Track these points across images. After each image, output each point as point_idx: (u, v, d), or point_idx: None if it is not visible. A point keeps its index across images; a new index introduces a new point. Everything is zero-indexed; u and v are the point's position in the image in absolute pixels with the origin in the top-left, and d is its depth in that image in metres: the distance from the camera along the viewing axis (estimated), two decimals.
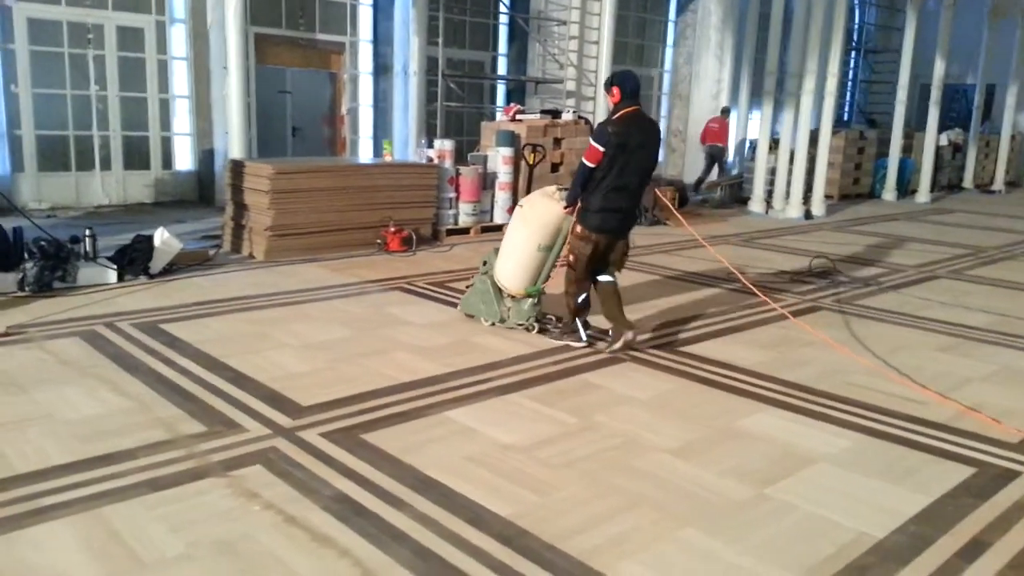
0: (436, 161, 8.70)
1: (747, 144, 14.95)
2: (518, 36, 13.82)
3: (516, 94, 13.90)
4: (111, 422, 3.82)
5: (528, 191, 9.01)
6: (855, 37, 18.35)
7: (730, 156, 15.74)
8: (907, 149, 14.98)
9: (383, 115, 12.46)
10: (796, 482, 3.40)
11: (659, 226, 10.49)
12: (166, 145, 10.70)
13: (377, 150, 12.44)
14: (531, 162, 8.90)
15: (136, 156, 10.45)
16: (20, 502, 3.06)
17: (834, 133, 12.80)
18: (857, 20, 18.38)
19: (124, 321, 5.45)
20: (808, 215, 11.83)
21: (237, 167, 7.83)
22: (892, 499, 3.26)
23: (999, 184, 16.68)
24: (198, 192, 10.89)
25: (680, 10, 16.00)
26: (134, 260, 6.56)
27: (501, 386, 4.46)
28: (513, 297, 5.48)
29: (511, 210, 9.16)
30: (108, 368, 4.55)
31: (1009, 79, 16.28)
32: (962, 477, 3.47)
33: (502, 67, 14.00)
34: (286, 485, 3.27)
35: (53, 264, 6.13)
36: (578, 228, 5.01)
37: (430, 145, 8.94)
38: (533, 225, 5.29)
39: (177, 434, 3.71)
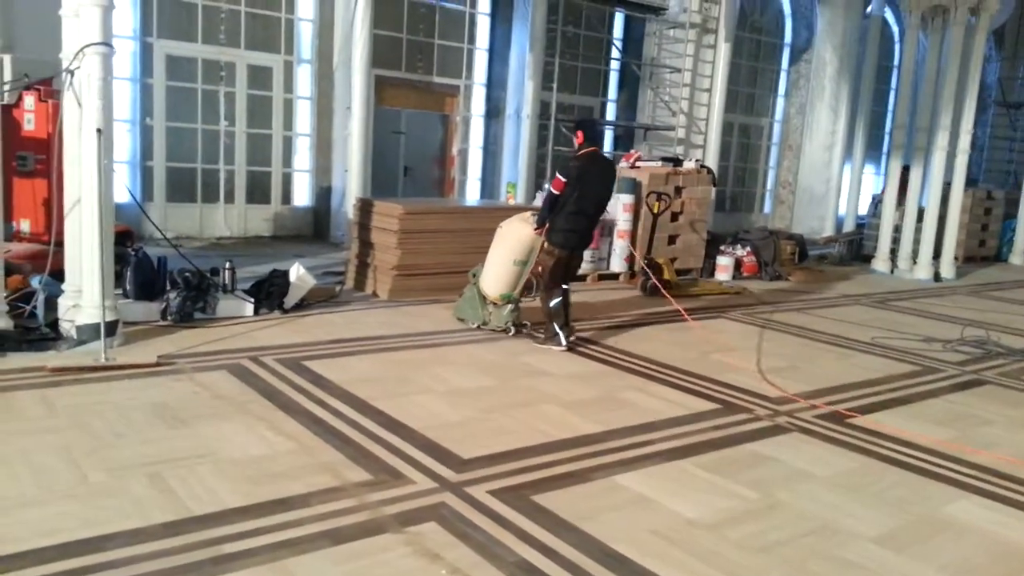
0: None
1: (871, 199, 14.42)
2: (628, 82, 13.73)
3: (624, 140, 13.79)
4: (277, 464, 3.72)
5: (651, 240, 8.80)
6: (996, 92, 17.67)
7: (843, 210, 15.24)
8: None
9: (492, 157, 12.49)
10: None
11: (779, 280, 10.11)
12: (286, 181, 10.92)
13: (485, 191, 12.46)
14: (655, 211, 8.69)
15: (258, 190, 10.69)
16: (200, 548, 2.95)
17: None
18: (995, 73, 17.70)
19: (268, 356, 5.42)
20: (937, 277, 11.23)
21: (366, 206, 7.86)
22: None
23: None
24: (313, 227, 11.05)
25: (793, 60, 15.69)
26: (271, 294, 6.59)
27: (665, 451, 4.21)
28: (495, 303, 6.42)
29: (629, 259, 9.04)
30: (261, 404, 4.49)
31: None
32: None
33: (611, 112, 13.91)
34: (466, 547, 3.08)
35: (195, 295, 6.19)
36: (545, 245, 6.14)
37: None
38: (510, 243, 6.35)
39: (345, 481, 3.58)
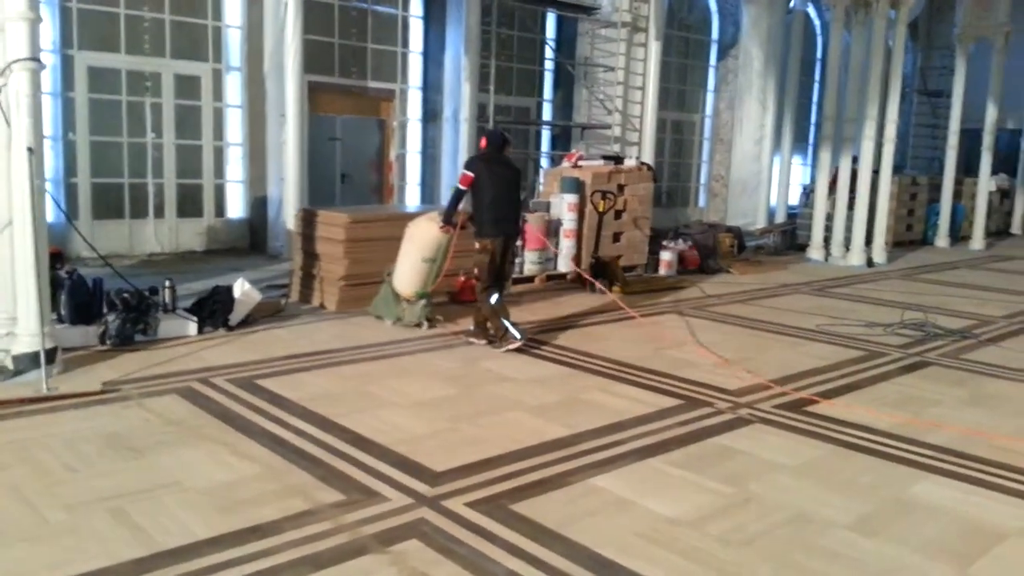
0: None
1: (801, 189, 14.82)
2: (564, 82, 13.80)
3: (561, 140, 13.85)
4: (245, 490, 3.59)
5: (597, 238, 8.85)
6: (913, 81, 18.34)
7: (774, 200, 15.63)
8: (955, 195, 14.80)
9: (431, 162, 12.38)
10: (997, 560, 3.15)
11: (721, 273, 10.29)
12: (219, 193, 10.60)
13: (425, 196, 12.35)
14: (601, 209, 8.74)
15: (189, 204, 10.34)
16: None
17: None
18: (915, 63, 18.35)
19: (218, 376, 5.24)
20: (870, 263, 11.60)
21: (308, 216, 7.68)
22: None
23: None
24: (249, 240, 10.75)
25: (721, 56, 16.01)
26: (215, 312, 6.37)
27: (635, 450, 4.22)
28: (408, 300, 6.69)
29: (575, 259, 9.07)
30: (219, 428, 4.33)
31: None
32: None
33: (547, 112, 13.96)
34: (453, 564, 3.02)
35: (135, 317, 5.94)
36: (477, 244, 6.25)
37: None
38: (418, 242, 6.57)
39: (317, 503, 3.47)
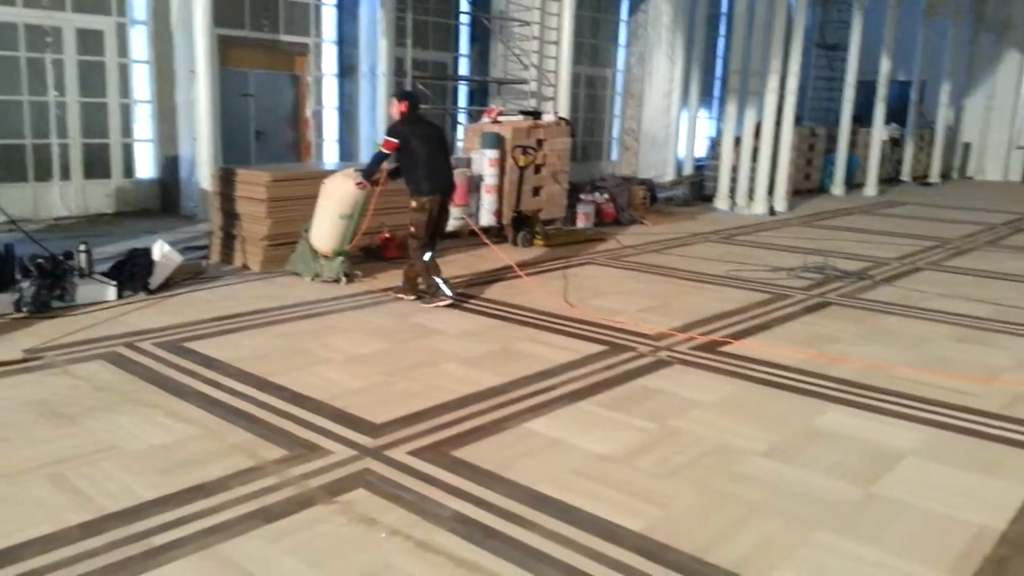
0: None
1: (708, 142, 15.26)
2: (480, 37, 13.73)
3: (478, 95, 13.83)
4: (185, 451, 3.63)
5: (518, 193, 8.98)
6: (815, 34, 18.96)
7: (683, 153, 16.05)
8: (851, 145, 15.55)
9: (348, 118, 12.18)
10: (896, 479, 3.49)
11: (636, 224, 10.61)
12: (127, 152, 10.19)
13: (344, 153, 12.18)
14: (522, 164, 8.86)
15: (97, 164, 9.91)
16: (126, 544, 2.87)
17: None
18: (814, 17, 18.94)
19: (144, 340, 5.18)
20: (772, 211, 12.16)
21: (227, 175, 7.53)
22: (993, 491, 3.39)
23: (935, 177, 17.53)
24: (161, 200, 10.41)
25: (632, 10, 16.19)
26: (134, 275, 6.23)
27: (566, 395, 4.43)
28: (326, 256, 6.76)
29: (497, 213, 9.20)
30: (152, 392, 4.32)
31: (941, 76, 17.12)
32: None
33: (464, 68, 13.89)
34: (400, 509, 3.17)
35: (51, 283, 5.77)
36: (413, 203, 6.22)
37: None
38: (335, 198, 6.62)
39: (261, 460, 3.55)
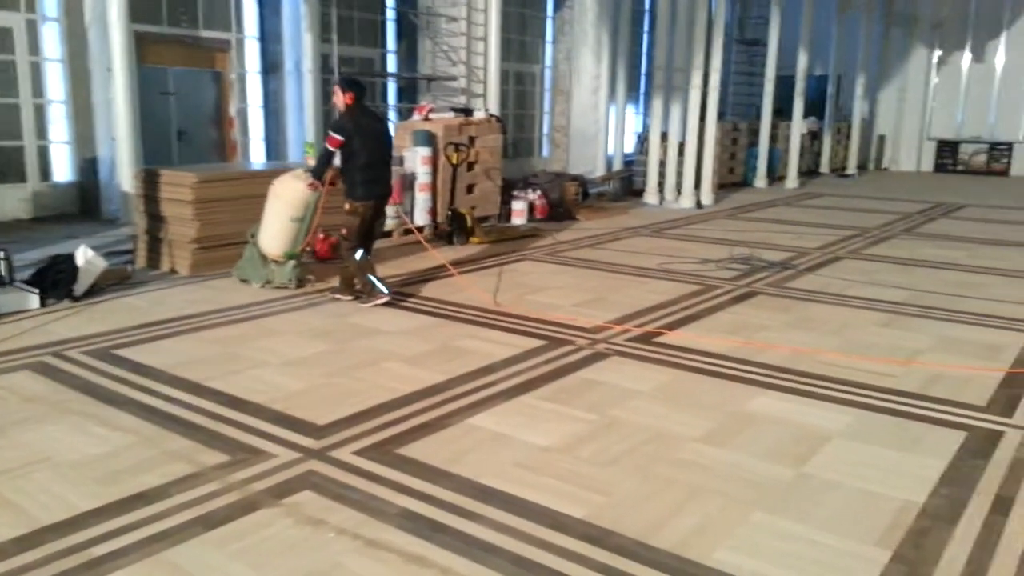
0: None
1: (636, 137, 15.53)
2: (407, 32, 13.66)
3: (408, 92, 13.76)
4: (122, 460, 3.55)
5: (452, 191, 8.99)
6: (735, 30, 19.47)
7: (612, 149, 16.29)
8: (772, 139, 16.04)
9: (274, 116, 11.97)
10: (825, 459, 3.66)
11: (569, 220, 10.74)
12: (43, 155, 9.81)
13: (271, 153, 11.97)
14: (455, 161, 8.87)
15: (10, 168, 9.52)
16: (65, 556, 2.81)
17: None
18: (734, 13, 19.44)
19: (72, 349, 5.03)
20: (699, 204, 12.46)
21: (151, 176, 7.33)
22: (914, 467, 3.58)
23: (852, 168, 18.23)
24: (80, 204, 10.06)
25: (558, 7, 16.34)
26: (57, 282, 6.03)
27: (507, 389, 4.49)
28: (276, 261, 6.55)
29: (432, 211, 9.19)
30: (83, 401, 4.20)
31: (856, 70, 17.80)
32: (959, 440, 3.85)
33: (391, 64, 13.80)
34: (348, 508, 3.17)
35: None
36: (347, 206, 6.11)
37: None
38: (285, 200, 6.41)
39: (202, 466, 3.50)
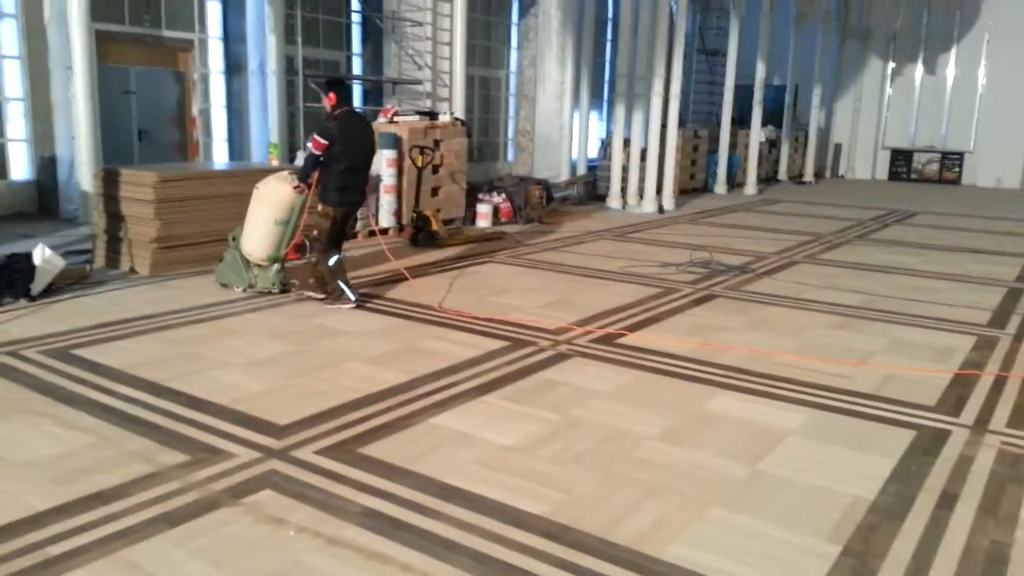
0: None
1: (599, 143, 15.67)
2: (372, 36, 13.63)
3: (373, 95, 13.72)
4: (80, 459, 3.51)
5: (417, 193, 9.01)
6: (696, 40, 19.73)
7: (575, 154, 16.42)
8: (731, 146, 16.30)
9: (237, 117, 11.86)
10: (779, 457, 3.75)
11: (533, 223, 10.82)
12: (0, 153, 9.61)
13: (234, 153, 11.86)
14: (419, 164, 8.89)
15: None
16: (22, 555, 2.78)
17: None
18: (695, 23, 19.71)
19: (28, 349, 4.95)
20: (661, 209, 12.63)
21: (111, 175, 7.24)
22: (865, 464, 3.69)
23: (809, 176, 18.60)
24: (39, 203, 9.86)
25: (522, 14, 16.42)
26: (14, 281, 5.92)
27: (469, 390, 4.52)
28: (260, 265, 6.42)
29: (397, 213, 9.20)
30: (39, 401, 4.15)
31: (812, 80, 18.18)
32: (908, 439, 3.98)
33: (357, 67, 13.76)
34: (308, 507, 3.18)
35: None
36: (319, 207, 6.11)
37: None
38: (269, 203, 6.27)
39: (161, 466, 3.48)
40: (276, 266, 6.43)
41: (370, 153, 6.35)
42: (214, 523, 3.04)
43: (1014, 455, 3.83)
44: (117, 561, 2.76)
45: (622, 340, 5.57)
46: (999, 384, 4.86)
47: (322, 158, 5.97)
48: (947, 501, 3.35)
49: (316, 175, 6.08)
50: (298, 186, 6.16)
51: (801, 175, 18.88)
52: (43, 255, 6.10)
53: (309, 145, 6.18)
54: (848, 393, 4.61)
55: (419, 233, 8.79)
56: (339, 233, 6.26)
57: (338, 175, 6.02)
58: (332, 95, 6.06)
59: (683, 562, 2.85)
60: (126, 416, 4.00)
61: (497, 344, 5.37)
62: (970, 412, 4.39)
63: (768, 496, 3.36)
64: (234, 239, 6.46)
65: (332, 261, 6.16)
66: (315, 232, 6.30)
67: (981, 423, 4.23)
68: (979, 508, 3.30)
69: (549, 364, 5.02)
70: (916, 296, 7.16)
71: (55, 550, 2.81)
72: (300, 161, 9.35)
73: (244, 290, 6.45)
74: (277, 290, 6.43)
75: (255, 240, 6.36)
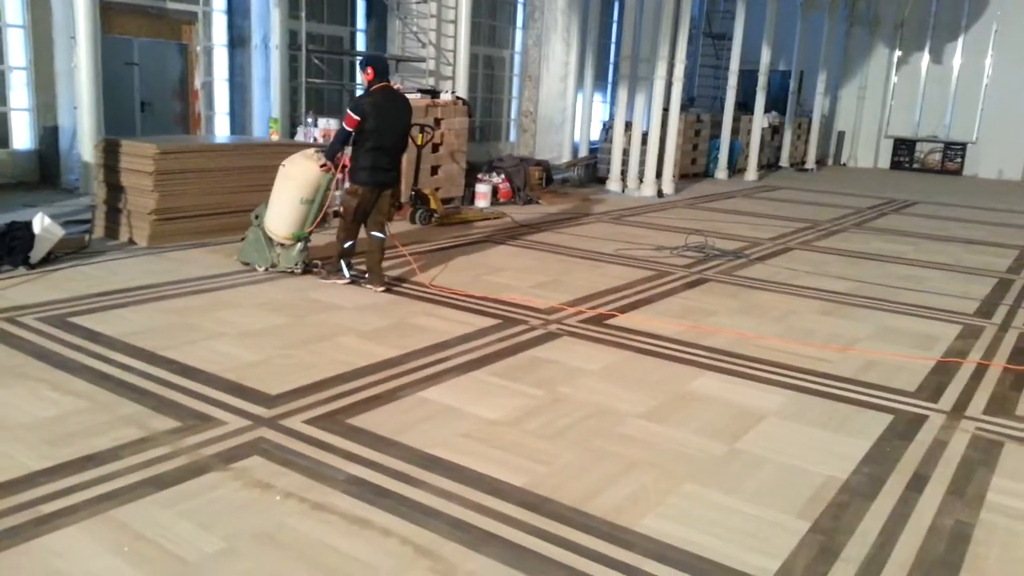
0: (321, 140, 8.52)
1: (602, 125, 15.66)
2: (377, 12, 13.61)
3: None
4: (73, 423, 3.60)
5: (416, 171, 9.05)
6: (702, 23, 19.67)
7: (578, 136, 16.43)
8: (733, 131, 16.30)
9: (240, 90, 11.87)
10: (757, 436, 3.84)
11: (532, 204, 10.86)
12: (3, 122, 9.65)
13: (235, 127, 11.89)
14: (420, 143, 8.92)
15: None
16: (15, 512, 2.87)
17: None
18: (702, 6, 19.65)
19: (26, 315, 5.03)
20: (660, 193, 12.66)
21: (111, 146, 7.29)
22: (840, 446, 3.77)
23: (811, 163, 18.60)
24: (40, 172, 9.92)
25: None
26: (13, 249, 5.99)
27: (459, 365, 4.60)
28: (283, 244, 6.31)
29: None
30: (35, 366, 4.23)
31: (818, 67, 18.12)
32: (885, 422, 4.06)
33: (360, 43, 13.74)
34: (295, 474, 3.27)
35: None
36: (347, 185, 6.07)
37: (316, 124, 8.73)
38: (296, 181, 6.16)
39: (152, 431, 3.57)
40: (299, 245, 6.29)
41: (403, 135, 6.16)
42: (202, 487, 3.14)
43: (988, 440, 3.91)
44: (107, 520, 2.86)
45: (612, 321, 5.65)
46: (980, 372, 4.94)
47: (354, 135, 5.86)
48: (918, 482, 3.44)
49: (343, 155, 6.01)
50: (324, 164, 6.06)
51: (803, 162, 18.88)
52: (43, 224, 6.17)
53: (342, 121, 6.08)
54: (830, 377, 4.69)
55: (417, 211, 8.84)
56: (363, 216, 6.07)
57: (367, 153, 5.89)
58: (370, 69, 5.95)
59: (655, 533, 2.94)
60: (120, 382, 4.08)
61: (489, 322, 5.44)
62: (948, 398, 4.47)
63: (743, 473, 3.45)
64: (257, 217, 6.35)
65: (347, 244, 6.12)
66: (341, 208, 6.28)
67: (958, 409, 4.32)
68: (947, 490, 3.39)
69: (539, 342, 5.10)
70: (906, 284, 7.23)
71: (47, 508, 2.91)
72: (302, 137, 9.43)
73: (266, 269, 6.34)
74: (300, 270, 6.30)
75: (280, 218, 6.23)
